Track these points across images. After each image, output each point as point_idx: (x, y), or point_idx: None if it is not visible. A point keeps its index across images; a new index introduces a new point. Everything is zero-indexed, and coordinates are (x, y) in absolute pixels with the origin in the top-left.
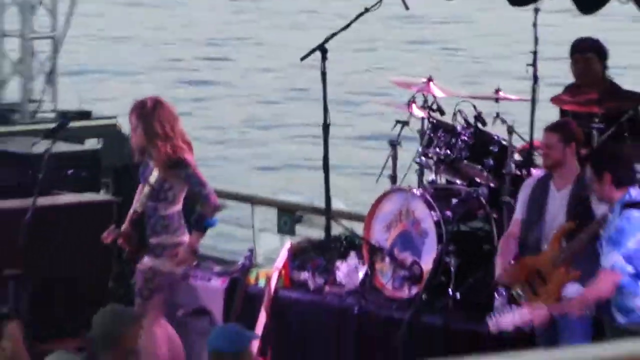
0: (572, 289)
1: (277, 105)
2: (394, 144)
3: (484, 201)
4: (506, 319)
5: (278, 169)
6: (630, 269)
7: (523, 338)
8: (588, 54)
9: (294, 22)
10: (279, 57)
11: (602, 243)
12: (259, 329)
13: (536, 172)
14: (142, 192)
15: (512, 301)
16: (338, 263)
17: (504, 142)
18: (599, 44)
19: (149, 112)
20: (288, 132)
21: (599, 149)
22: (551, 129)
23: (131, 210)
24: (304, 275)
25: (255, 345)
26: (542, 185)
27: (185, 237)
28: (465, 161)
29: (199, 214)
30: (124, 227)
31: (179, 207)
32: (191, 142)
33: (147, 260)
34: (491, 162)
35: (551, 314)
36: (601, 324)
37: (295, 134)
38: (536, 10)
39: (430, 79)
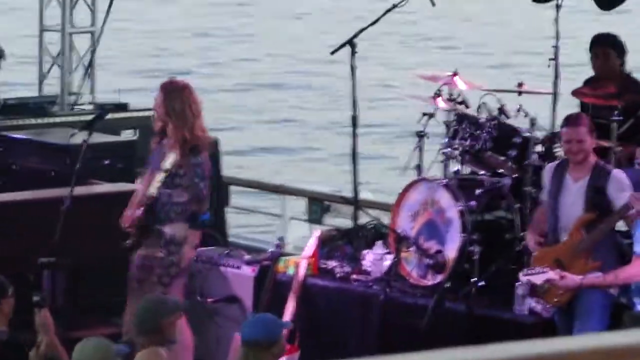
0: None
1: None
2: (420, 135)
3: (507, 191)
4: (538, 275)
5: None
6: None
7: (544, 325)
8: (607, 49)
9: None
10: None
11: (636, 228)
12: (288, 315)
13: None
14: (149, 179)
15: (533, 289)
16: (365, 251)
17: (527, 134)
18: (616, 39)
19: (177, 90)
20: None
21: None
22: (577, 123)
23: (139, 196)
24: (332, 263)
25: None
26: (558, 176)
27: None
28: (489, 152)
29: (192, 212)
30: (137, 212)
31: None
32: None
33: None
34: (514, 153)
35: (581, 284)
36: (619, 310)
37: None
38: (557, 7)
39: (455, 73)
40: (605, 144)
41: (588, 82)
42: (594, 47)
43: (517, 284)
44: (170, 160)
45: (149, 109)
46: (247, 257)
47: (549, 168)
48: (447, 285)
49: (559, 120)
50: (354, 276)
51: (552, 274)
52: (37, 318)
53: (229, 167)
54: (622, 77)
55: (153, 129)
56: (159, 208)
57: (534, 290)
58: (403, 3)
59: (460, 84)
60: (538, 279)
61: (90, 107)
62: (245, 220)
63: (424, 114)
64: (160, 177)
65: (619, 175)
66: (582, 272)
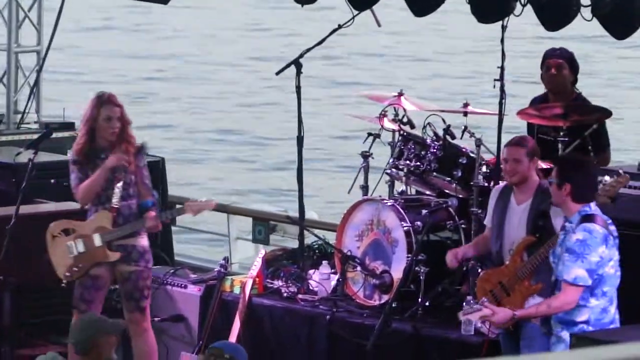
0: (534, 302)
1: None
2: (365, 156)
3: (453, 212)
4: (475, 312)
5: None
6: (590, 282)
7: (489, 345)
8: (560, 60)
9: None
10: None
11: (556, 253)
12: (234, 335)
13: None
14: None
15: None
16: (311, 271)
17: (472, 155)
18: (571, 54)
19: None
20: None
21: (568, 157)
22: (516, 143)
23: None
24: (278, 282)
25: None
26: (504, 198)
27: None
28: (434, 173)
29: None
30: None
31: None
32: None
33: (140, 262)
34: (460, 174)
35: (513, 317)
36: None
37: None
38: (503, 27)
39: (401, 93)
40: (546, 165)
41: (535, 101)
42: (547, 59)
43: (461, 320)
44: (121, 170)
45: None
46: (193, 276)
47: (495, 190)
48: (394, 305)
49: (505, 141)
50: (300, 296)
51: (485, 311)
52: None
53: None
54: (571, 96)
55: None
56: (120, 220)
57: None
58: (349, 23)
59: (406, 104)
60: (475, 317)
61: (36, 126)
62: (190, 239)
63: (369, 134)
64: (119, 187)
65: None
66: (524, 295)
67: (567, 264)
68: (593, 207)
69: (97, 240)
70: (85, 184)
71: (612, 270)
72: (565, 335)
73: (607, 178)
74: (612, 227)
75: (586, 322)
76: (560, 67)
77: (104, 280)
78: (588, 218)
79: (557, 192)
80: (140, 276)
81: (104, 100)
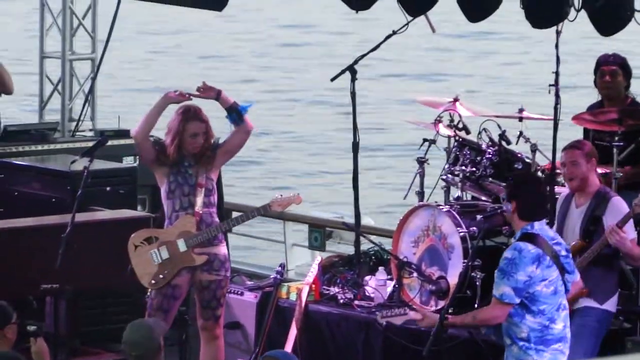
0: (585, 303)
1: None
2: (421, 162)
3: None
4: (399, 316)
5: None
6: (517, 300)
7: None
8: (614, 67)
9: None
10: None
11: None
12: (290, 341)
13: (565, 188)
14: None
15: None
16: (367, 277)
17: (528, 160)
18: (624, 60)
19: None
20: None
21: (517, 174)
22: (572, 146)
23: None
24: (334, 289)
25: None
26: (566, 202)
27: None
28: (490, 178)
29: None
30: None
31: None
32: None
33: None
34: None
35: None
36: None
37: None
38: (557, 33)
39: (456, 99)
40: (604, 169)
41: (591, 108)
42: (600, 66)
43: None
44: (203, 176)
45: (151, 136)
46: (249, 283)
47: (562, 196)
48: (450, 311)
49: (560, 147)
50: (357, 302)
51: (412, 314)
52: (33, 347)
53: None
54: (625, 101)
55: None
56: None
57: None
58: (403, 29)
59: (462, 109)
60: (398, 320)
61: (91, 133)
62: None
63: (425, 140)
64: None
65: (617, 202)
66: (574, 298)
67: (496, 280)
68: (537, 226)
69: (182, 245)
70: (142, 118)
71: (547, 289)
72: (514, 350)
73: None
74: (558, 247)
75: (526, 339)
76: (614, 74)
77: (182, 290)
78: (526, 237)
79: (507, 210)
80: (220, 285)
81: (190, 116)
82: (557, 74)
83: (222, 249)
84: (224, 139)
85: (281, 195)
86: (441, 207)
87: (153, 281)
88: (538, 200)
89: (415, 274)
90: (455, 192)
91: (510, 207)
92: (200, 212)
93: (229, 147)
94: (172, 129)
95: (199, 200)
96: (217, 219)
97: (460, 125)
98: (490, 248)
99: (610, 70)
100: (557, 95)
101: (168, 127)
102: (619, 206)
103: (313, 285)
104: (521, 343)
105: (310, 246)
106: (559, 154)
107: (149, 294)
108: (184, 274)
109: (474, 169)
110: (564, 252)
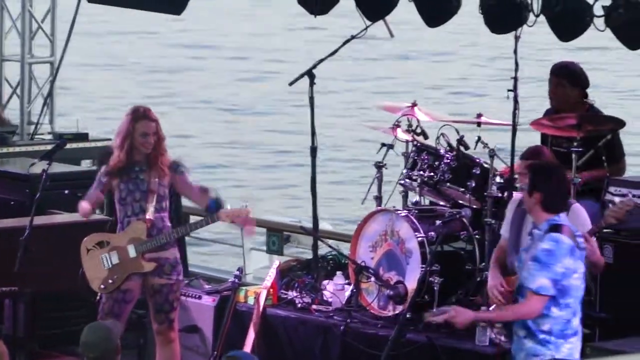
0: None
1: None
2: (379, 167)
3: (466, 222)
4: (440, 315)
5: None
6: (553, 292)
7: (504, 355)
8: (557, 78)
9: None
10: None
11: (521, 258)
12: (248, 345)
13: (517, 194)
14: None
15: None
16: (325, 282)
17: (486, 165)
18: (571, 70)
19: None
20: None
21: (540, 165)
22: (530, 155)
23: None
24: (292, 293)
25: None
26: (521, 211)
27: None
28: (448, 183)
29: None
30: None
31: None
32: None
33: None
34: (473, 184)
35: (473, 320)
36: None
37: None
38: (516, 38)
39: (414, 104)
40: None
41: (547, 113)
42: (550, 74)
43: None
44: (155, 182)
45: (109, 139)
46: (207, 286)
47: (513, 200)
48: (408, 315)
49: (518, 152)
50: (315, 306)
51: (449, 312)
52: None
53: None
54: (583, 107)
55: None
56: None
57: None
58: (362, 34)
59: (420, 114)
60: (440, 319)
61: (50, 136)
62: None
63: (383, 145)
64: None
65: (578, 210)
66: None
67: (532, 272)
68: (562, 217)
69: (132, 251)
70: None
71: (576, 282)
72: (529, 343)
73: (616, 199)
74: (580, 239)
75: (549, 332)
76: (558, 84)
77: (134, 294)
78: (556, 228)
79: (527, 199)
80: (172, 289)
81: (139, 116)
82: (515, 79)
83: (174, 253)
84: (187, 179)
85: (230, 207)
86: (399, 211)
87: (102, 286)
88: (562, 190)
89: (373, 279)
90: (413, 197)
91: (532, 198)
92: (152, 217)
93: (180, 188)
94: (122, 130)
95: (151, 206)
96: (169, 224)
97: (419, 130)
98: (448, 253)
99: (554, 80)
100: (515, 101)
101: (118, 129)
102: (579, 213)
103: (271, 290)
104: (542, 336)
105: (268, 250)
106: (517, 160)
107: (98, 297)
108: (135, 279)
109: (432, 173)
110: (583, 245)
